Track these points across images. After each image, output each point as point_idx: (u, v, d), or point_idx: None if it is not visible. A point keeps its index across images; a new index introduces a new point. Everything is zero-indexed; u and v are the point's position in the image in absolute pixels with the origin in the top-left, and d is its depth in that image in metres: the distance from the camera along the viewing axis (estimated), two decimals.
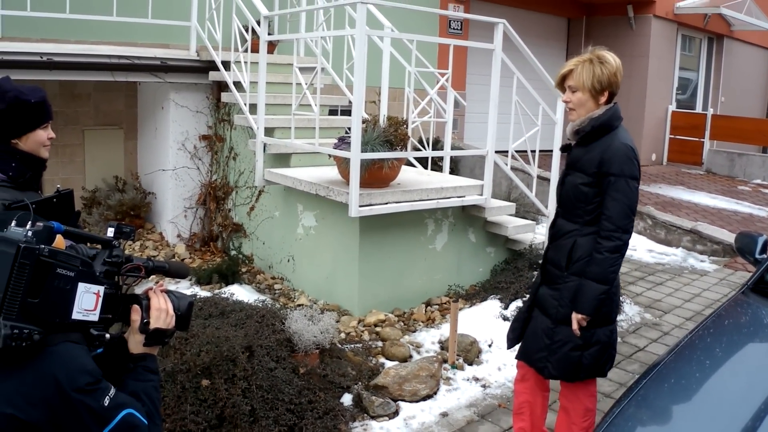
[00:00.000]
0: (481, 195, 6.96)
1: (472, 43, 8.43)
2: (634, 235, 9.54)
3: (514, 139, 7.49)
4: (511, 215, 7.49)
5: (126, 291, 2.44)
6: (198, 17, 8.74)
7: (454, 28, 13.75)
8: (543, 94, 7.62)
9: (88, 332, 2.24)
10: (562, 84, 4.04)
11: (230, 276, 7.23)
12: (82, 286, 2.18)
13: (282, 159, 7.59)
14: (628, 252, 9.03)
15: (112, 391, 2.18)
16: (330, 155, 6.54)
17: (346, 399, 5.09)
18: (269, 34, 7.73)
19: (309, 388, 4.84)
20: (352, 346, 5.80)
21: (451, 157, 8.36)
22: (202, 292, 6.46)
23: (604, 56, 3.91)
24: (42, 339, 2.09)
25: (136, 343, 2.43)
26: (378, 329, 6.22)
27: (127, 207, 9.02)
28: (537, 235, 7.86)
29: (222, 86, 8.53)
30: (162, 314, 2.43)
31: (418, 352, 5.89)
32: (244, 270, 7.76)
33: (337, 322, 5.94)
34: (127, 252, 2.44)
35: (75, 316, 2.17)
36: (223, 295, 5.82)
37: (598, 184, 3.84)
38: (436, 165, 8.86)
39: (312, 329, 5.10)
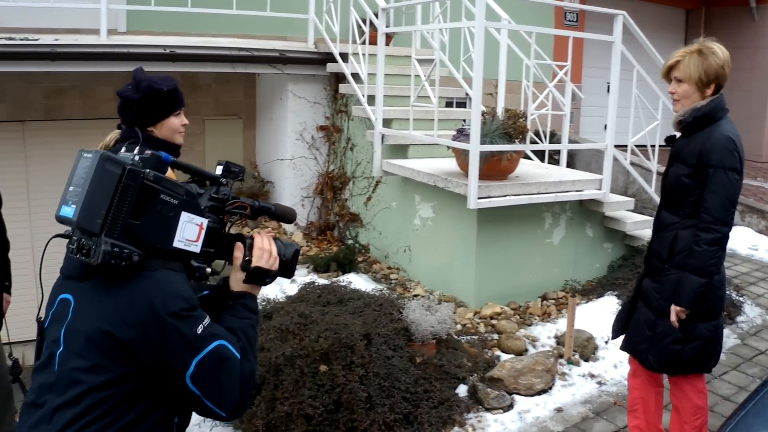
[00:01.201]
0: (600, 189, 6.86)
1: (591, 35, 8.30)
2: (755, 235, 9.39)
3: (634, 133, 7.36)
4: (629, 211, 7.36)
5: (230, 228, 2.49)
6: (315, 10, 8.87)
7: (569, 20, 13.54)
8: (663, 87, 7.43)
9: (188, 263, 2.30)
10: (668, 75, 4.00)
11: (347, 265, 7.32)
12: (185, 216, 2.25)
13: (399, 150, 7.64)
14: (749, 251, 8.85)
15: (207, 320, 2.22)
16: (448, 147, 6.55)
17: (462, 390, 5.11)
18: (387, 26, 7.78)
19: (425, 377, 4.87)
20: (468, 337, 5.81)
21: (568, 152, 8.27)
22: (320, 280, 6.55)
23: (713, 47, 3.84)
24: (141, 262, 2.16)
25: (237, 281, 2.47)
26: (494, 322, 6.21)
27: (245, 195, 9.19)
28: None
29: (339, 78, 8.65)
30: (264, 254, 2.46)
31: (534, 346, 5.86)
32: (360, 259, 7.84)
33: (454, 313, 5.95)
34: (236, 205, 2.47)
35: (176, 244, 2.24)
36: (340, 283, 5.90)
37: (698, 175, 3.79)
38: (552, 159, 8.78)
39: (429, 319, 5.13)
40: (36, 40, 7.33)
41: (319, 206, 9.08)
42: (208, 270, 2.36)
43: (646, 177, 7.89)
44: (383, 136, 7.41)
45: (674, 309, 3.85)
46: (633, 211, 7.46)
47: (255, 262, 2.44)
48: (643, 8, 14.64)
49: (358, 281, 6.61)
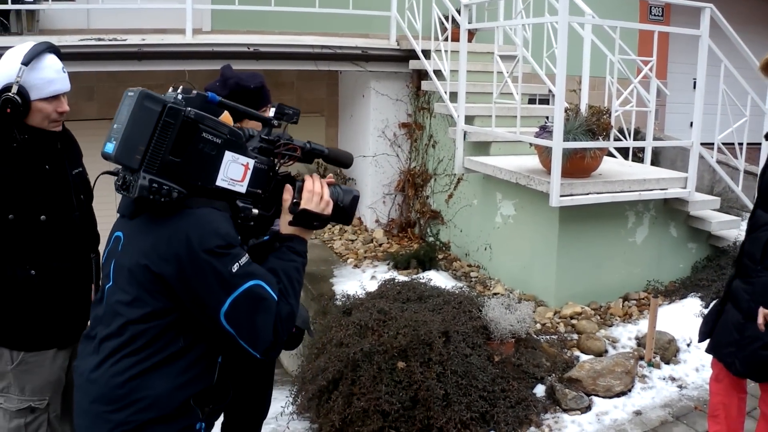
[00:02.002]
0: (685, 188, 6.73)
1: (677, 29, 8.15)
2: None
3: (720, 131, 7.21)
4: (714, 210, 7.19)
5: (279, 170, 2.47)
6: (398, 7, 8.89)
7: (655, 15, 13.30)
8: (752, 83, 7.28)
9: (234, 203, 2.32)
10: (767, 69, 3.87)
11: (427, 262, 7.33)
12: (229, 155, 2.26)
13: (481, 147, 7.62)
14: None
15: (245, 260, 2.23)
16: (530, 144, 6.51)
17: (539, 390, 5.08)
18: (469, 22, 7.75)
19: (502, 376, 4.85)
20: (547, 337, 5.76)
21: (652, 149, 8.13)
22: (400, 277, 6.59)
23: None
24: (182, 198, 2.19)
25: (285, 224, 2.46)
26: (573, 322, 6.15)
27: None
28: (742, 231, 7.52)
29: (422, 75, 8.66)
30: (315, 197, 2.44)
31: (614, 347, 5.78)
32: (440, 257, 7.83)
33: (533, 312, 5.91)
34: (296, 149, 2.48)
35: (219, 183, 2.26)
36: (420, 280, 5.91)
37: None
38: (636, 156, 8.65)
39: (508, 318, 5.10)
40: (124, 40, 7.52)
41: (400, 203, 9.12)
42: (254, 211, 2.36)
43: (733, 176, 7.71)
44: (465, 133, 7.40)
45: (762, 312, 3.71)
46: (719, 210, 7.29)
47: (303, 205, 2.43)
48: (731, 1, 14.30)
49: (438, 279, 6.62)
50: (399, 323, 4.79)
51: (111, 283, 2.36)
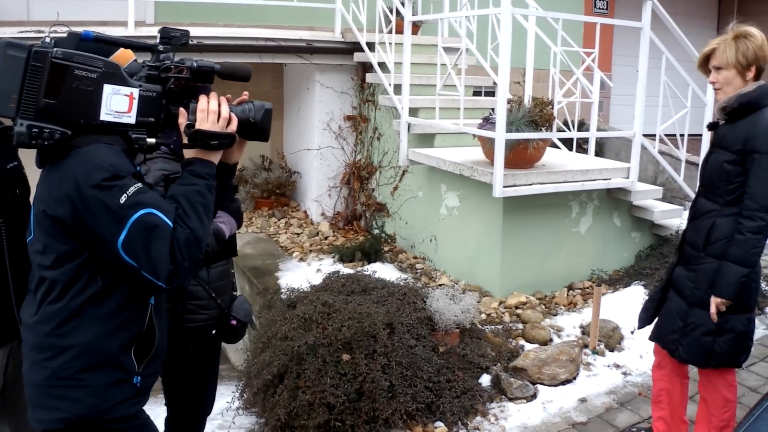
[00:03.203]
0: (627, 178, 6.79)
1: (619, 21, 8.25)
2: None
3: (662, 122, 7.29)
4: (657, 200, 7.28)
5: (175, 94, 2.40)
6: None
7: (599, 8, 13.42)
8: (693, 74, 7.36)
9: (127, 135, 2.29)
10: (705, 65, 3.96)
11: (372, 254, 7.32)
12: (108, 88, 2.22)
13: (426, 139, 7.62)
14: None
15: (133, 189, 2.20)
16: (474, 135, 6.52)
17: (485, 380, 5.09)
18: (413, 14, 7.75)
19: (448, 367, 4.86)
20: (492, 327, 5.79)
21: (596, 141, 8.19)
22: (345, 269, 6.56)
23: (748, 30, 3.80)
24: (68, 139, 2.19)
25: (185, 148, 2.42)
26: (519, 311, 6.18)
27: (273, 185, 9.27)
28: (684, 220, 7.61)
29: (366, 67, 8.63)
30: (210, 116, 2.37)
31: (559, 336, 5.83)
32: (386, 249, 7.84)
33: (478, 302, 5.92)
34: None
35: (104, 117, 2.23)
36: (365, 273, 5.90)
37: (742, 162, 3.73)
38: (580, 148, 8.71)
39: (453, 309, 5.11)
40: (64, 32, 7.36)
41: (345, 196, 9.09)
42: (150, 140, 2.33)
43: (676, 166, 7.80)
44: (409, 125, 7.39)
45: (714, 300, 3.77)
46: (661, 200, 7.39)
47: (198, 125, 2.37)
48: None
49: (384, 271, 6.61)
50: (343, 316, 4.76)
51: (31, 235, 2.38)
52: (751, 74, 3.78)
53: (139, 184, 2.23)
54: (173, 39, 2.42)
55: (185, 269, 2.24)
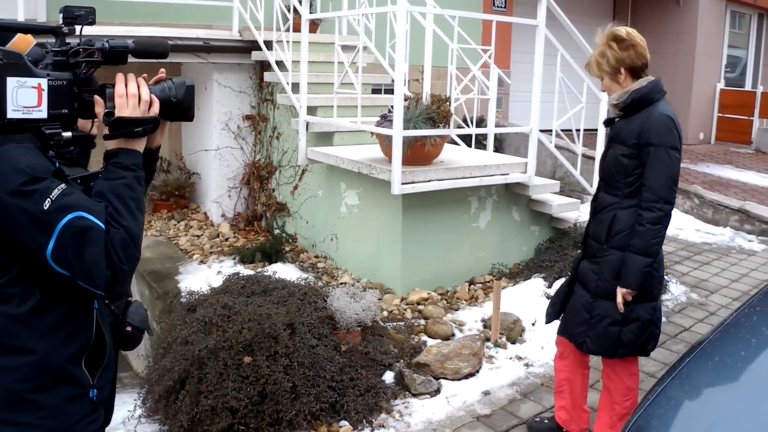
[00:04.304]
0: (525, 173, 6.89)
1: (514, 19, 8.36)
2: (681, 215, 9.56)
3: (559, 117, 7.42)
4: (555, 193, 7.41)
5: (87, 81, 2.23)
6: None
7: (498, 6, 13.59)
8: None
9: (40, 132, 2.09)
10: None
11: (274, 255, 7.24)
12: (12, 81, 2.01)
13: (325, 138, 7.58)
14: (675, 231, 9.01)
15: (57, 192, 1.99)
16: (372, 133, 6.51)
17: (388, 377, 5.08)
18: (311, 12, 7.71)
19: (350, 365, 4.84)
20: (395, 324, 5.79)
21: (496, 137, 8.31)
22: (246, 271, 6.49)
23: (616, 35, 3.93)
24: None
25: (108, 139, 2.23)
26: (420, 307, 6.20)
27: (171, 187, 9.11)
28: (582, 213, 7.77)
29: (265, 66, 8.55)
30: (130, 100, 2.19)
31: (461, 331, 5.86)
32: (287, 249, 7.78)
33: (380, 300, 5.92)
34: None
35: (12, 114, 2.02)
36: (265, 273, 5.84)
37: (638, 155, 3.84)
38: (481, 144, 8.80)
39: (354, 307, 5.09)
40: None
41: (246, 197, 8.99)
42: (66, 134, 2.13)
43: (573, 160, 7.95)
44: (308, 124, 7.34)
45: (620, 291, 3.86)
46: (560, 193, 7.51)
47: (117, 113, 2.18)
48: None
49: (285, 271, 6.55)
50: (243, 317, 4.71)
51: None
52: (622, 76, 3.92)
53: (63, 185, 2.02)
54: (78, 18, 2.23)
55: (123, 273, 2.07)
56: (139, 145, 2.25)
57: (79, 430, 2.22)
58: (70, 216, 1.98)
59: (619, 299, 3.87)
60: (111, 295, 2.09)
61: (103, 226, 2.03)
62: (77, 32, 2.22)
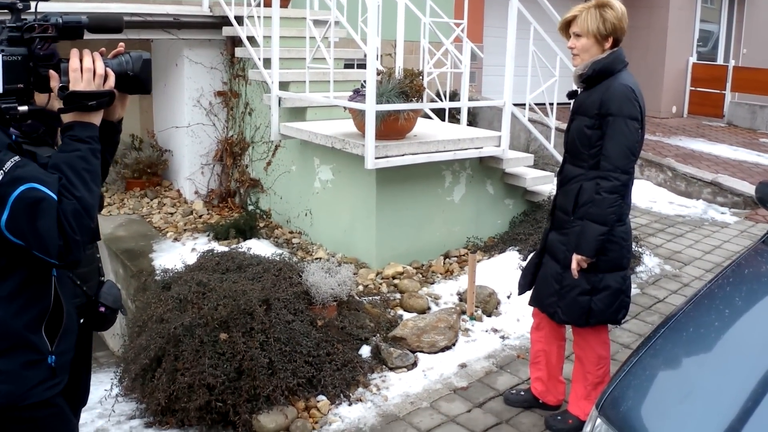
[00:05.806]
0: (499, 146, 6.89)
1: None
2: (654, 188, 9.61)
3: (532, 91, 7.41)
4: (529, 167, 7.42)
5: (50, 56, 2.27)
6: None
7: None
8: (561, 44, 7.46)
9: None
10: (566, 30, 4.07)
11: (248, 231, 7.22)
12: None
13: (298, 113, 7.53)
14: (648, 204, 9.06)
15: (9, 164, 2.06)
16: (345, 108, 6.48)
17: (365, 351, 5.10)
18: None
19: (327, 340, 4.83)
20: (370, 298, 5.79)
21: (470, 111, 8.29)
22: (220, 247, 6.45)
23: (609, 2, 3.92)
24: None
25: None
26: (396, 281, 6.21)
27: (144, 165, 9.05)
28: (555, 186, 7.78)
29: (236, 41, 8.48)
30: (85, 75, 2.24)
31: (437, 304, 5.87)
32: (261, 225, 7.75)
33: (355, 274, 5.91)
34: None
35: None
36: (240, 250, 5.80)
37: (600, 126, 3.86)
38: (454, 118, 8.78)
39: (329, 282, 5.08)
40: None
41: (219, 173, 8.93)
42: (22, 108, 2.18)
43: (546, 134, 7.97)
44: (280, 100, 7.28)
45: (575, 258, 3.90)
46: (533, 167, 7.52)
47: (72, 86, 2.23)
48: None
49: (259, 247, 6.53)
50: (219, 294, 4.68)
51: None
52: (608, 44, 3.93)
53: (17, 158, 2.09)
54: None
55: (76, 242, 2.11)
56: (95, 119, 2.30)
57: (36, 394, 2.27)
58: (22, 187, 2.04)
59: (574, 265, 3.91)
60: (66, 263, 2.14)
61: (55, 197, 2.08)
62: (32, 8, 2.26)
